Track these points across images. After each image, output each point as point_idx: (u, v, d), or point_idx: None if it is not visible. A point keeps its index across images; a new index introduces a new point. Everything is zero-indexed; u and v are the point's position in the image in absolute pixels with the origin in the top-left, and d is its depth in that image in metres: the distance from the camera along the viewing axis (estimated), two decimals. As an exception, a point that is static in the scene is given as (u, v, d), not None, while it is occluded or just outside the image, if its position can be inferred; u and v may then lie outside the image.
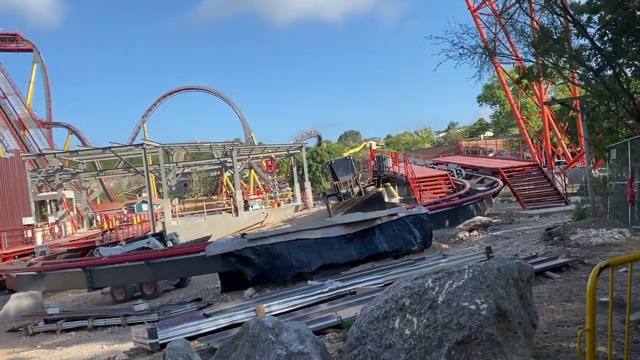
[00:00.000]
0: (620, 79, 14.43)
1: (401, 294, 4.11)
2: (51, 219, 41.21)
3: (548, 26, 15.20)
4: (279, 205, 47.47)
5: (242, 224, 40.51)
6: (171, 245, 24.41)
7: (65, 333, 15.50)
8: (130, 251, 21.75)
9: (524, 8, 16.09)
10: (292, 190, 53.91)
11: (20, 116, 63.51)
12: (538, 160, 33.08)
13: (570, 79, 18.90)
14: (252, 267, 15.69)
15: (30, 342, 15.54)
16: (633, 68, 14.98)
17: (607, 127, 16.58)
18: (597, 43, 14.47)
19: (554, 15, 15.10)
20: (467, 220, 21.07)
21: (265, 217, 42.27)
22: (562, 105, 24.68)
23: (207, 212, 43.69)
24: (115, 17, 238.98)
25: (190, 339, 8.44)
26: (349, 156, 43.64)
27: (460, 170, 31.46)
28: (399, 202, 32.59)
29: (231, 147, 47.86)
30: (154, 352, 8.35)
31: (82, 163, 47.01)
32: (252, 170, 73.70)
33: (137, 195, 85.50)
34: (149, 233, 27.07)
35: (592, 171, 20.36)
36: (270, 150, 53.28)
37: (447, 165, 34.39)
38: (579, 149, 35.76)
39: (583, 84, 16.86)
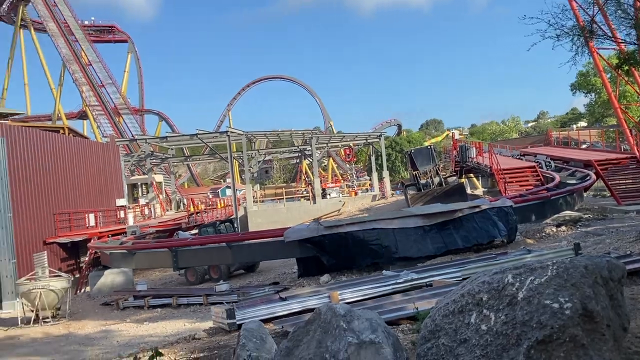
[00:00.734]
0: None
1: (479, 289, 3.96)
2: (142, 201, 43.69)
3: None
4: (356, 194, 47.47)
5: (320, 211, 40.93)
6: None
7: (151, 309, 16.43)
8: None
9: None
10: (370, 180, 53.66)
11: (115, 104, 67.63)
12: (637, 153, 30.71)
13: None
14: (327, 254, 15.81)
15: (120, 315, 16.64)
16: None
17: None
18: None
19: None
20: (555, 215, 19.99)
21: (343, 206, 42.43)
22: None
23: (286, 198, 44.53)
24: (205, 7, 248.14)
25: (266, 321, 8.65)
26: (430, 145, 42.72)
27: (550, 162, 29.86)
28: (482, 194, 31.54)
29: (310, 136, 48.34)
30: (231, 332, 8.62)
31: (171, 149, 49.35)
32: (331, 158, 74.14)
33: (221, 180, 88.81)
34: (217, 220, 27.85)
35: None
36: (348, 139, 53.28)
37: (536, 156, 32.77)
38: (684, 142, 32.81)
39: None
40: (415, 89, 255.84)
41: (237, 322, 8.64)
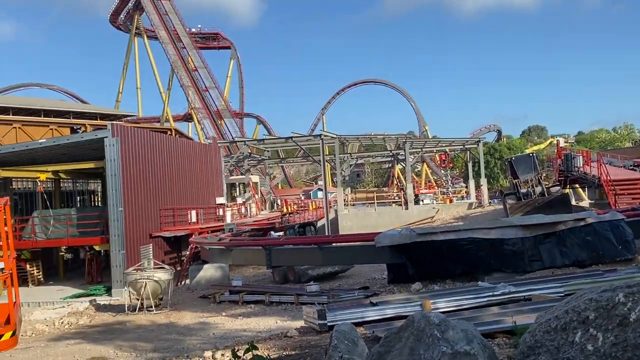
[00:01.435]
0: None
1: (585, 306, 3.73)
2: (239, 200, 45.49)
3: None
4: (451, 201, 46.23)
5: (412, 217, 40.31)
6: None
7: (245, 305, 17.02)
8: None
9: None
10: (466, 187, 52.07)
11: (218, 107, 71.01)
12: None
13: None
14: (419, 262, 15.52)
15: (217, 308, 17.39)
16: None
17: None
18: None
19: None
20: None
21: (436, 213, 41.50)
22: None
23: (377, 202, 44.33)
24: (306, 13, 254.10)
25: (356, 324, 8.65)
26: (532, 153, 40.70)
27: (668, 174, 27.37)
28: (589, 207, 29.54)
29: (404, 140, 47.82)
30: (322, 332, 8.74)
31: (267, 151, 50.97)
32: (425, 163, 72.87)
33: (313, 182, 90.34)
34: (297, 223, 28.11)
35: None
36: (444, 144, 52.06)
37: (651, 167, 30.17)
38: None
39: None
40: (518, 94, 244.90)
41: (328, 324, 8.74)
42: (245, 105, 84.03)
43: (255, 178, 52.90)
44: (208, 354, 8.50)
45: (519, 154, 47.18)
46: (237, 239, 24.75)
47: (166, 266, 20.25)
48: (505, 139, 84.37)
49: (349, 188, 56.50)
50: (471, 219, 36.69)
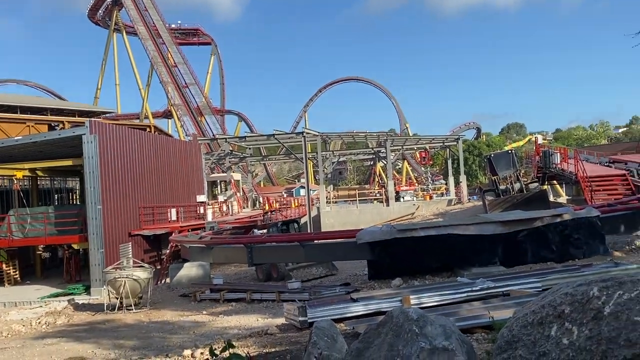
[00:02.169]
0: None
1: (560, 300, 3.78)
2: (220, 198, 45.19)
3: None
4: (431, 198, 46.58)
5: (393, 214, 40.55)
6: None
7: (226, 303, 16.93)
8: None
9: None
10: (446, 184, 52.51)
11: (198, 104, 70.49)
12: None
13: None
14: (399, 258, 15.61)
15: (197, 307, 17.27)
16: None
17: None
18: None
19: None
20: (647, 227, 18.62)
21: (417, 209, 41.79)
22: None
23: (359, 200, 44.49)
24: (286, 11, 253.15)
25: (337, 321, 8.68)
26: (511, 150, 41.14)
27: (642, 171, 27.90)
28: (566, 203, 29.99)
29: (385, 138, 48.03)
30: (302, 329, 8.74)
31: (249, 148, 50.79)
32: (406, 161, 73.28)
33: (296, 180, 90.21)
34: (280, 221, 28.09)
35: None
36: (424, 142, 52.42)
37: (627, 164, 30.71)
38: None
39: None
40: (497, 92, 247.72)
41: (309, 320, 8.74)
42: (226, 101, 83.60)
43: (236, 176, 52.65)
44: (187, 352, 8.44)
45: (498, 151, 47.68)
46: (218, 237, 24.62)
47: (146, 265, 20.05)
48: (484, 136, 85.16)
49: (331, 185, 56.55)
50: (451, 216, 36.99)
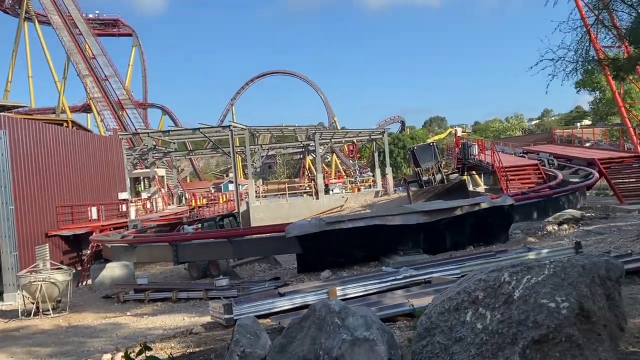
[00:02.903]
0: None
1: (474, 287, 3.91)
2: (144, 195, 43.73)
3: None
4: (359, 190, 47.39)
5: (322, 207, 40.90)
6: None
7: (152, 303, 16.42)
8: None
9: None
10: (373, 176, 53.61)
11: (119, 97, 67.72)
12: (640, 152, 30.54)
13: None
14: (328, 250, 15.78)
15: (121, 308, 16.65)
16: None
17: None
18: None
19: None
20: (558, 214, 19.89)
21: (345, 202, 42.38)
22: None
23: (289, 194, 44.47)
24: (209, 4, 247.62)
25: (264, 316, 8.63)
26: (433, 142, 42.59)
27: (553, 160, 29.75)
28: (484, 192, 31.41)
29: (314, 131, 48.26)
30: (228, 327, 8.60)
31: (174, 143, 49.33)
32: (334, 154, 74.08)
33: (224, 175, 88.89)
34: (217, 215, 27.74)
35: None
36: (352, 135, 53.18)
37: (539, 154, 32.64)
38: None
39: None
40: (420, 87, 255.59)
41: (234, 318, 8.61)
42: (149, 95, 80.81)
43: (161, 171, 51.10)
44: (107, 356, 8.09)
45: (421, 143, 49.22)
46: (142, 235, 23.86)
47: (64, 267, 19.05)
48: (408, 129, 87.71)
49: (261, 179, 56.11)
50: (378, 207, 37.82)
